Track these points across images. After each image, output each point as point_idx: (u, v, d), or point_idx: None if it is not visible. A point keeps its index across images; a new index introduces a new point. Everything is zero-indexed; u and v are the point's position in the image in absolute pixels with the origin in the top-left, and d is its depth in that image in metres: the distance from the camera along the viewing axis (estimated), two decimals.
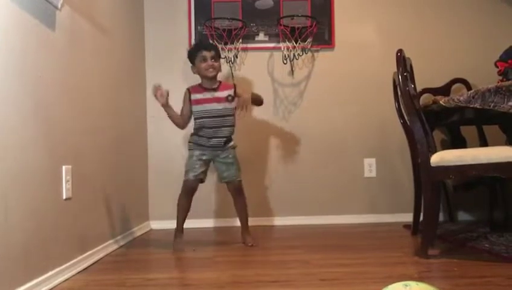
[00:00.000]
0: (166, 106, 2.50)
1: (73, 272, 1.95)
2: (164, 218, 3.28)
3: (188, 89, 2.58)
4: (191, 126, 2.64)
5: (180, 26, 3.36)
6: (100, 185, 2.37)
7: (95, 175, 2.31)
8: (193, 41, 3.33)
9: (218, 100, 2.51)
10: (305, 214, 3.33)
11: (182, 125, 2.61)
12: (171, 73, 3.35)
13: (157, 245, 2.71)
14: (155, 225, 3.30)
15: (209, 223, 3.26)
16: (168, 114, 2.54)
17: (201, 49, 2.51)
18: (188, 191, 2.52)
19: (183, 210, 2.54)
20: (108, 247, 2.41)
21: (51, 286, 1.74)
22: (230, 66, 3.28)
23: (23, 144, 1.63)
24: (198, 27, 3.33)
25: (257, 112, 3.36)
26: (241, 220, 2.62)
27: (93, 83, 2.33)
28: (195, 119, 2.55)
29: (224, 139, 2.52)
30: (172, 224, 3.20)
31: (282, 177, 3.35)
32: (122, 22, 2.87)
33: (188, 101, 2.55)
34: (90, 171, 2.23)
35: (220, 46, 3.22)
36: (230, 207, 3.24)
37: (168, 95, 2.47)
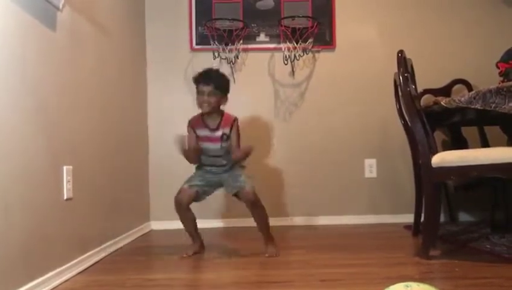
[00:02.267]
0: (193, 150, 2.38)
1: (74, 272, 1.95)
2: (165, 219, 3.27)
3: (189, 122, 2.43)
4: None
5: (181, 27, 3.36)
6: (101, 185, 2.37)
7: (96, 176, 2.31)
8: (194, 42, 3.34)
9: (214, 140, 2.36)
10: (306, 215, 3.32)
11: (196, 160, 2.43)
12: (171, 74, 3.35)
13: (158, 246, 2.71)
14: (156, 225, 3.30)
15: (208, 223, 3.26)
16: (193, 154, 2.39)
17: (199, 83, 2.34)
18: (180, 205, 2.35)
19: (188, 225, 2.43)
20: (109, 248, 2.41)
21: (51, 286, 1.74)
22: (231, 67, 3.28)
23: (24, 144, 1.63)
24: (199, 28, 3.33)
25: (258, 112, 3.36)
26: (262, 232, 2.41)
27: (94, 83, 2.33)
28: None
29: (228, 167, 2.40)
30: (173, 225, 3.19)
31: (283, 178, 3.35)
32: (123, 22, 2.87)
33: (194, 134, 2.39)
34: (91, 171, 2.23)
35: (220, 47, 3.23)
36: (231, 208, 3.25)
37: (186, 138, 2.37)
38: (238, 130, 2.42)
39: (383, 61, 3.29)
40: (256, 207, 2.34)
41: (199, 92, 2.33)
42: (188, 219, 2.41)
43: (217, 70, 2.44)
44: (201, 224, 3.20)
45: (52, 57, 1.87)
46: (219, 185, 2.43)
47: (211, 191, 2.45)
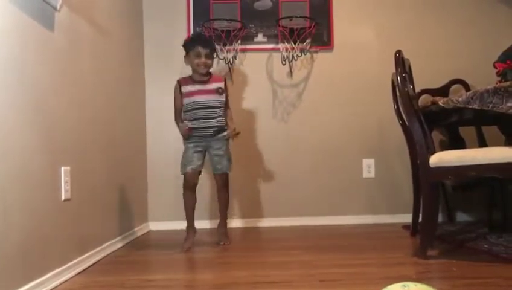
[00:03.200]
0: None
1: (72, 273, 1.95)
2: (163, 219, 3.28)
3: (178, 81, 2.62)
4: None
5: (179, 27, 3.36)
6: (99, 186, 2.37)
7: (94, 176, 2.30)
8: None
9: (208, 92, 2.55)
10: (304, 215, 3.33)
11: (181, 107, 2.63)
12: (169, 74, 3.34)
13: (157, 246, 2.71)
14: (154, 226, 3.30)
15: (208, 224, 3.25)
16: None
17: (197, 44, 2.53)
18: (190, 186, 2.56)
19: (190, 206, 2.59)
20: (108, 248, 2.41)
21: (49, 287, 1.74)
22: (229, 67, 3.29)
23: (22, 145, 1.62)
24: (197, 28, 3.33)
25: (256, 112, 3.36)
26: (221, 214, 2.65)
27: (92, 83, 2.32)
28: (185, 111, 2.58)
29: (215, 129, 2.55)
30: (171, 225, 3.22)
31: (281, 178, 3.35)
32: (121, 22, 2.87)
33: (179, 93, 2.58)
34: (89, 172, 2.23)
35: (218, 47, 3.23)
36: (231, 208, 3.25)
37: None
38: (227, 88, 2.67)
39: (380, 61, 3.29)
40: (225, 188, 2.64)
41: (197, 54, 2.52)
42: (192, 204, 2.59)
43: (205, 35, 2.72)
44: (200, 225, 3.22)
45: (50, 57, 1.87)
46: (205, 151, 2.59)
47: (204, 162, 2.62)
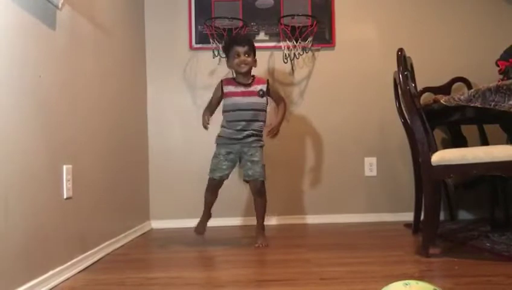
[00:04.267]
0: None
1: (74, 271, 1.95)
2: (165, 217, 3.28)
3: (222, 81, 2.63)
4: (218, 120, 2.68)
5: (181, 26, 3.36)
6: (101, 184, 2.37)
7: (96, 174, 2.31)
8: (193, 41, 3.33)
9: (250, 94, 2.54)
10: (306, 213, 3.33)
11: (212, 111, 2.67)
12: (171, 73, 3.35)
13: (158, 245, 2.71)
14: (156, 224, 3.30)
15: (209, 222, 3.25)
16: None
17: (234, 45, 2.53)
18: (213, 189, 2.60)
19: (209, 202, 2.64)
20: (109, 246, 2.41)
21: (51, 285, 1.74)
22: None
23: (24, 143, 1.63)
24: (199, 26, 3.33)
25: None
26: (257, 220, 2.59)
27: (94, 82, 2.32)
28: (225, 112, 2.58)
29: (253, 132, 2.54)
30: (173, 223, 3.22)
31: (283, 176, 3.35)
32: (122, 21, 2.87)
33: (221, 91, 2.58)
34: (90, 170, 2.23)
35: (220, 46, 3.22)
36: (233, 206, 3.25)
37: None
38: (274, 87, 2.70)
39: (382, 59, 3.29)
40: (261, 196, 2.57)
41: (235, 54, 2.52)
42: (212, 201, 2.65)
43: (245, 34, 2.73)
44: (195, 223, 3.22)
45: (52, 56, 1.87)
46: (237, 158, 2.57)
47: (232, 168, 2.62)
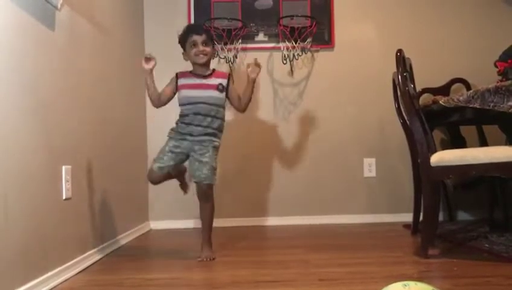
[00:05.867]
0: (149, 73, 2.32)
1: (73, 272, 1.95)
2: (164, 218, 3.28)
3: (177, 74, 2.39)
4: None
5: (180, 26, 3.26)
6: (100, 185, 2.37)
7: (95, 175, 2.30)
8: None
9: (207, 87, 2.29)
10: (305, 214, 3.32)
11: (155, 102, 2.37)
12: (170, 73, 3.33)
13: (157, 245, 2.71)
14: (155, 225, 3.30)
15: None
16: (147, 83, 2.34)
17: (191, 34, 2.30)
18: (153, 180, 2.34)
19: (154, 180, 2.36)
20: (108, 247, 2.41)
21: (50, 286, 1.74)
22: (230, 66, 3.28)
23: (23, 144, 1.62)
24: None
25: (257, 111, 3.36)
26: (203, 231, 2.29)
27: (93, 82, 2.32)
28: (180, 105, 2.34)
29: (208, 131, 2.27)
30: (172, 224, 3.22)
31: (282, 177, 3.35)
32: (121, 22, 2.87)
33: (175, 84, 2.36)
34: (90, 171, 2.23)
35: (219, 46, 3.23)
36: (232, 207, 3.25)
37: (155, 64, 2.32)
38: (232, 84, 2.41)
39: (381, 60, 3.29)
40: (206, 201, 2.27)
41: (192, 44, 2.28)
42: (167, 178, 2.38)
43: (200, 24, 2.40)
44: (195, 224, 3.22)
45: (51, 56, 1.87)
46: (185, 156, 2.30)
47: (181, 163, 2.37)
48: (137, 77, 3.20)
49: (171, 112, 3.33)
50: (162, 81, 3.51)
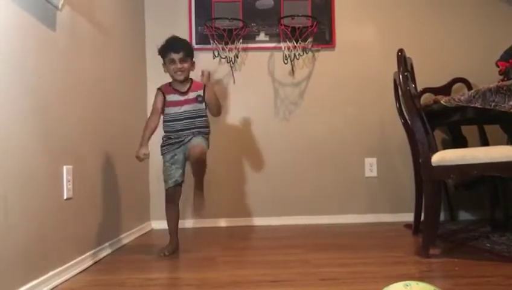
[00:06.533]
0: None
1: (74, 272, 1.94)
2: (165, 218, 3.27)
3: (160, 89, 2.46)
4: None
5: (181, 26, 3.36)
6: (101, 185, 2.37)
7: (96, 175, 2.31)
8: (194, 42, 3.33)
9: (188, 102, 2.40)
10: (306, 214, 3.32)
11: (155, 125, 2.47)
12: None
13: (158, 245, 2.70)
14: (156, 225, 3.30)
15: (209, 223, 3.25)
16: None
17: (169, 51, 2.38)
18: (172, 200, 2.42)
19: (172, 220, 2.43)
20: (109, 247, 2.41)
21: (51, 286, 1.74)
22: (231, 66, 3.28)
23: (24, 144, 1.63)
24: (199, 27, 3.33)
25: (258, 111, 3.36)
26: (197, 181, 2.41)
27: (94, 82, 2.32)
28: (165, 121, 2.44)
29: (195, 130, 2.39)
30: None
31: (282, 177, 3.35)
32: (122, 21, 2.87)
33: (162, 100, 2.43)
34: (91, 171, 2.24)
35: (220, 46, 3.23)
36: (232, 207, 3.26)
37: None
38: (210, 86, 2.46)
39: (382, 60, 3.29)
40: (201, 166, 2.36)
41: (171, 61, 2.37)
42: (175, 217, 2.44)
43: (180, 38, 2.50)
44: (202, 223, 3.23)
45: (52, 56, 1.87)
46: (184, 157, 2.40)
47: (184, 170, 2.44)
48: (137, 76, 3.21)
49: None
50: (161, 82, 3.52)
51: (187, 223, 3.21)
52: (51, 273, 1.76)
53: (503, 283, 1.68)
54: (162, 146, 2.47)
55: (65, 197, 1.92)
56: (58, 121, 1.90)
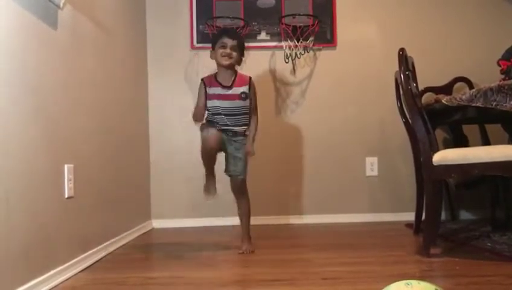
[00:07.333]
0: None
1: (75, 271, 1.95)
2: (166, 217, 3.29)
3: (203, 81, 2.41)
4: None
5: (182, 25, 3.36)
6: (102, 184, 2.37)
7: (97, 174, 2.31)
8: (195, 41, 3.33)
9: (232, 98, 2.35)
10: (307, 213, 3.33)
11: (199, 118, 2.40)
12: (172, 72, 3.35)
13: (159, 244, 2.71)
14: (157, 224, 3.30)
15: (210, 222, 3.26)
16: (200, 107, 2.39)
17: (223, 35, 2.36)
18: (211, 148, 2.27)
19: (209, 165, 2.39)
20: (110, 246, 2.42)
21: (52, 284, 1.74)
22: None
23: (26, 143, 1.63)
24: (200, 26, 3.33)
25: (259, 110, 3.35)
26: (241, 224, 2.45)
27: (95, 82, 2.33)
28: (208, 112, 2.40)
29: (238, 128, 2.40)
30: (174, 223, 3.23)
31: (284, 175, 3.35)
32: (124, 21, 2.87)
33: (204, 94, 2.37)
34: (92, 170, 2.24)
35: None
36: (233, 206, 3.25)
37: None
38: (255, 90, 2.46)
39: (384, 59, 3.28)
40: (242, 195, 2.43)
41: (221, 45, 2.33)
42: (212, 163, 2.39)
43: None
44: (206, 222, 3.23)
45: (53, 56, 1.87)
46: (223, 142, 2.35)
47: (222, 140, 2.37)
48: (139, 76, 3.21)
49: (172, 112, 3.35)
50: (162, 81, 3.52)
51: (190, 222, 3.21)
52: (52, 271, 1.76)
53: (504, 282, 1.68)
54: (203, 123, 2.38)
55: (66, 196, 1.93)
56: (60, 120, 1.90)
